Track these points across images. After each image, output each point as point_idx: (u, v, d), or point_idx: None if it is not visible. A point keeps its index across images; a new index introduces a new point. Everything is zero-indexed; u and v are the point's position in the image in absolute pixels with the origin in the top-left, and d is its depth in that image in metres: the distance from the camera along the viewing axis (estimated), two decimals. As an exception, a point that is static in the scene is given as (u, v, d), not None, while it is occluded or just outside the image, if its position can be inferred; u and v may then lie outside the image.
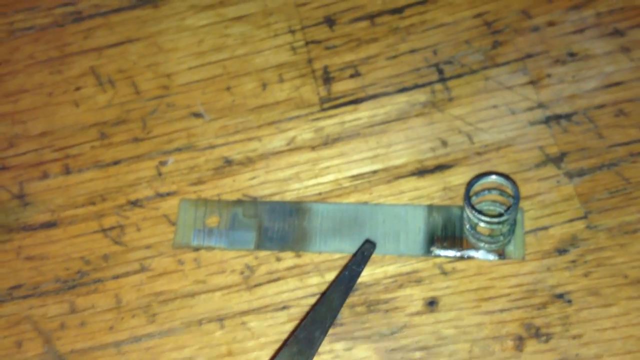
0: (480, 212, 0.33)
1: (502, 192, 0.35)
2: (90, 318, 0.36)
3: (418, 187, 0.37)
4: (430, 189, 0.37)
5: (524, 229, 0.35)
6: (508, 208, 0.33)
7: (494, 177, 0.33)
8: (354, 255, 0.34)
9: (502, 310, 0.34)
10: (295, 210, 0.37)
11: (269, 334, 0.35)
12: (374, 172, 0.38)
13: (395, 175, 0.38)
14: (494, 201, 0.35)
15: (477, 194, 0.34)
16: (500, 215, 0.33)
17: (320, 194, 0.38)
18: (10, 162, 0.40)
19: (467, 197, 0.33)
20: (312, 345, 0.28)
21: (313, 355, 0.27)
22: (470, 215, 0.33)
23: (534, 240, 0.35)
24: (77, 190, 0.39)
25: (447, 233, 0.36)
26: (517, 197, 0.33)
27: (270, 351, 0.34)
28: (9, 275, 0.38)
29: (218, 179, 0.39)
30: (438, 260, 0.35)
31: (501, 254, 0.35)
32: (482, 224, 0.33)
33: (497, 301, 0.34)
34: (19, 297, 0.37)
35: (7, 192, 0.40)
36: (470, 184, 0.33)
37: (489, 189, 0.35)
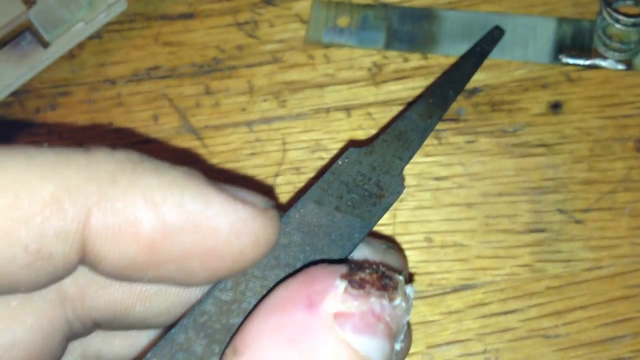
0: (616, 10, 0.33)
1: (637, 3, 0.35)
2: (224, 99, 0.38)
3: (549, 2, 0.38)
4: (561, 3, 0.38)
5: (654, 44, 0.36)
6: (646, 11, 0.34)
7: (634, -20, 0.34)
8: (483, 37, 0.34)
9: (625, 116, 0.35)
10: (425, 15, 0.38)
11: (394, 125, 0.37)
12: (505, -14, 0.38)
13: (526, -11, 0.38)
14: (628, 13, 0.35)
15: (613, 2, 0.35)
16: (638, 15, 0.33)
17: (450, 2, 0.39)
18: (150, -42, 0.42)
19: (606, -2, 0.34)
20: (446, 101, 0.29)
21: (446, 110, 0.28)
22: (606, 15, 0.34)
23: (663, 56, 0.36)
24: (213, -13, 0.41)
25: (576, 43, 0.36)
26: (656, 0, 0.33)
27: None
28: (147, 57, 0.40)
29: (349, -14, 0.40)
30: (565, 68, 0.36)
31: (629, 65, 0.35)
32: (617, 25, 0.34)
33: (621, 107, 0.35)
34: (157, 77, 0.39)
35: (147, -16, 0.41)
36: (609, -14, 0.34)
37: (625, -1, 0.35)
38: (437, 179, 0.35)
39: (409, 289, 0.20)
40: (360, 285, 0.19)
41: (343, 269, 0.20)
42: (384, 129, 0.24)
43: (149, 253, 0.19)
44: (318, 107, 0.38)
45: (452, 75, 0.30)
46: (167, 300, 0.22)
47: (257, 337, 0.18)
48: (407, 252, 0.34)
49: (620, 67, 0.36)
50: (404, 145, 0.27)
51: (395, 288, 0.19)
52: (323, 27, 0.39)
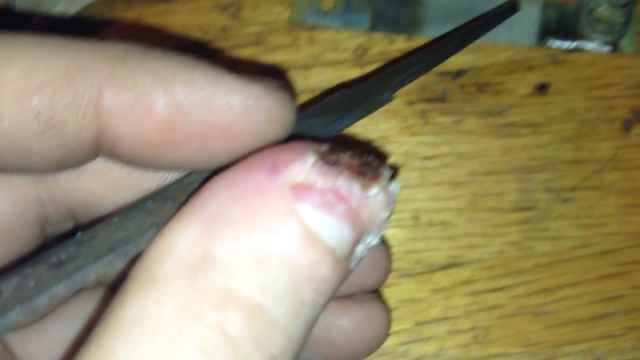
0: (604, -10, 0.33)
1: (622, -15, 0.35)
2: (207, 80, 0.38)
3: (533, -14, 0.38)
4: (546, -12, 0.38)
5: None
6: (631, -9, 0.34)
7: (619, -39, 0.34)
8: (490, 10, 0.33)
9: (612, 97, 0.35)
10: (411, -1, 0.38)
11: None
12: (490, -28, 0.38)
13: (511, -26, 0.38)
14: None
15: (597, -16, 0.35)
16: (624, -5, 0.33)
17: (435, -12, 0.38)
18: (133, -58, 0.42)
19: (592, -23, 0.34)
20: (433, 64, 0.28)
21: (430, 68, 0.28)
22: (593, -5, 0.34)
23: (648, 39, 0.36)
24: (196, -30, 0.40)
25: (561, 26, 0.36)
26: (641, -20, 0.33)
27: (383, 113, 0.36)
28: (129, 40, 0.39)
29: (334, -30, 0.40)
30: (551, 50, 0.36)
31: (615, 47, 0.35)
32: (603, 7, 0.34)
33: (607, 89, 0.35)
34: (139, 57, 0.38)
35: (129, -33, 0.41)
36: (595, -34, 0.34)
37: (610, -19, 0.35)
38: (424, 158, 0.35)
39: (393, 185, 0.18)
40: (333, 163, 0.18)
41: (323, 146, 0.18)
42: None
43: (165, 131, 0.19)
44: (303, 88, 0.37)
45: (439, 44, 0.29)
46: (140, 190, 0.21)
47: (208, 189, 0.18)
48: (393, 231, 0.34)
49: (606, 48, 0.36)
50: (401, 75, 0.26)
51: (374, 178, 0.18)
52: (307, 9, 0.39)
